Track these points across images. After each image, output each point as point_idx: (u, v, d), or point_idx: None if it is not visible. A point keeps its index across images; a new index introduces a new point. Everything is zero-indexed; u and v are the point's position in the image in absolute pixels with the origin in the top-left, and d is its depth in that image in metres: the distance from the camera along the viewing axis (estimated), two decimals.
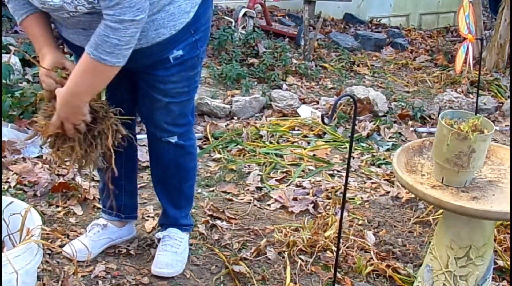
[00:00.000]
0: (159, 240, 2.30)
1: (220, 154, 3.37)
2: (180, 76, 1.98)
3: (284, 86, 4.67)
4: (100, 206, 2.47)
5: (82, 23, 1.79)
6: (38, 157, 3.08)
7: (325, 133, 3.81)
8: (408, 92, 4.99)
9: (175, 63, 1.94)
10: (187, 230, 2.34)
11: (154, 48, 1.86)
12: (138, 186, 2.83)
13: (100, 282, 2.14)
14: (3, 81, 3.64)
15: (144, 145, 3.30)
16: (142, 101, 2.08)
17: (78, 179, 2.87)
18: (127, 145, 2.25)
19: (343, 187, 1.99)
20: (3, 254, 1.63)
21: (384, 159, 3.45)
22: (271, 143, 3.59)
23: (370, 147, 3.65)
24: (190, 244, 2.37)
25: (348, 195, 2.93)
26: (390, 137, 3.84)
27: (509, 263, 2.38)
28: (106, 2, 1.64)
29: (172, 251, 2.23)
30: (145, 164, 3.13)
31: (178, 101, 2.03)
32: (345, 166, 2.25)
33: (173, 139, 2.11)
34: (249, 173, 3.14)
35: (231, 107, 4.05)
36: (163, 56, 1.91)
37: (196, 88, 2.10)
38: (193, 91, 2.08)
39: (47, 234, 1.95)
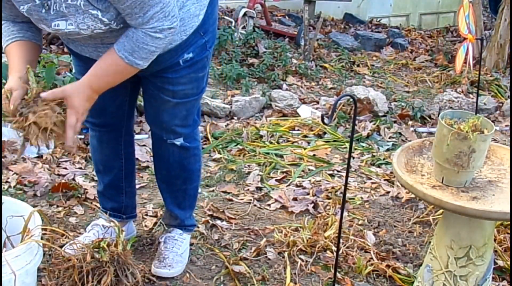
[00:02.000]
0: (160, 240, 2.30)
1: (220, 154, 3.38)
2: (189, 78, 1.97)
3: (284, 86, 4.67)
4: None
5: (93, 39, 1.79)
6: (38, 157, 3.09)
7: (325, 133, 3.81)
8: (408, 92, 4.99)
9: (185, 66, 1.93)
10: (189, 231, 2.35)
11: (165, 55, 1.85)
12: (138, 186, 2.84)
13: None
14: (3, 81, 3.64)
15: (144, 145, 3.31)
16: (149, 102, 2.07)
17: (78, 179, 2.88)
18: (125, 147, 2.26)
19: (343, 187, 1.99)
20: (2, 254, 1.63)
21: (384, 159, 3.45)
22: (271, 143, 3.59)
23: (370, 147, 3.65)
24: (191, 244, 2.37)
25: (348, 195, 2.93)
26: (390, 137, 3.84)
27: (509, 263, 2.38)
28: (139, 20, 1.64)
29: (173, 252, 2.23)
30: (145, 164, 3.13)
31: (186, 101, 2.02)
32: (345, 166, 2.25)
33: (178, 142, 2.10)
34: (249, 173, 3.14)
35: (231, 107, 4.05)
36: (174, 61, 1.91)
37: (204, 89, 2.09)
38: (201, 92, 2.08)
39: (47, 234, 1.94)
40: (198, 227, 2.49)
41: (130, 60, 1.70)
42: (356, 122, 3.93)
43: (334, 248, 2.38)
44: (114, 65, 1.73)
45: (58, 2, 1.63)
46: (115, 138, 2.20)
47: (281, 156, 3.42)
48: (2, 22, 1.81)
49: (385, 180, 3.18)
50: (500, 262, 2.38)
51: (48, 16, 1.66)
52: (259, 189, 3.00)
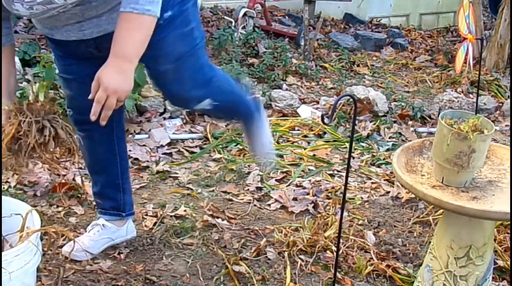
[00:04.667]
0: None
1: (220, 154, 3.37)
2: (174, 36, 1.91)
3: (284, 86, 4.67)
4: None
5: (74, 15, 1.76)
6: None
7: (325, 133, 3.81)
8: (408, 92, 4.99)
9: (164, 24, 1.86)
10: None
11: None
12: (138, 186, 2.84)
13: (101, 282, 2.14)
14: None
15: (144, 145, 3.31)
16: (156, 82, 2.04)
17: (78, 179, 2.88)
18: (118, 142, 2.24)
19: (343, 187, 1.99)
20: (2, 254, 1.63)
21: (384, 159, 3.45)
22: None
23: (370, 147, 3.65)
24: (190, 244, 2.37)
25: (348, 195, 2.93)
26: (390, 137, 3.84)
27: (509, 263, 2.38)
28: None
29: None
30: (145, 164, 3.13)
31: (182, 62, 1.96)
32: (345, 166, 2.25)
33: (208, 106, 2.06)
34: (249, 173, 3.14)
35: None
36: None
37: (198, 46, 2.00)
38: (197, 50, 2.00)
39: (47, 233, 1.94)
40: (197, 228, 2.49)
41: (139, 9, 1.64)
42: (356, 122, 3.93)
43: (334, 248, 2.38)
44: (127, 22, 1.67)
45: None
46: (107, 134, 2.16)
47: (281, 156, 3.42)
48: None
49: (385, 180, 3.18)
50: (500, 262, 2.38)
51: None
52: (259, 189, 3.00)
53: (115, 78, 1.66)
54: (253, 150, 2.50)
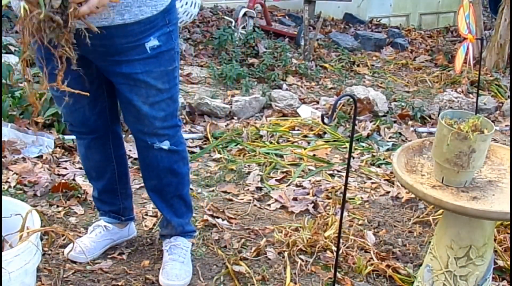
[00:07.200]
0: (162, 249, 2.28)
1: (220, 154, 3.38)
2: (159, 72, 1.91)
3: (284, 86, 4.67)
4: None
5: None
6: (38, 157, 3.09)
7: (325, 133, 3.81)
8: (408, 92, 4.99)
9: (152, 54, 1.87)
10: (191, 237, 2.31)
11: (134, 27, 1.79)
12: (138, 186, 2.84)
13: (101, 282, 2.14)
14: (3, 81, 3.64)
15: None
16: (126, 109, 2.00)
17: (78, 179, 2.88)
18: (115, 150, 2.22)
19: (343, 187, 1.99)
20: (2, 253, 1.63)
21: (384, 159, 3.45)
22: (271, 143, 3.59)
23: (370, 147, 3.65)
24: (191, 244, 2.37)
25: (348, 195, 2.93)
26: (390, 137, 3.84)
27: (509, 263, 2.38)
28: None
29: (180, 261, 2.18)
30: None
31: (160, 100, 1.96)
32: (345, 166, 2.25)
33: (166, 145, 2.04)
34: (249, 173, 3.14)
35: (231, 107, 4.05)
36: (140, 41, 1.84)
37: (177, 86, 2.01)
38: (174, 89, 2.00)
39: (47, 233, 1.94)
40: (198, 227, 2.49)
41: None
42: (356, 122, 3.93)
43: (334, 248, 2.38)
44: None
45: None
46: (103, 143, 2.16)
47: (281, 156, 3.42)
48: None
49: (385, 180, 3.18)
50: (500, 262, 2.38)
51: None
52: (259, 189, 3.00)
53: None
54: (161, 278, 2.16)
